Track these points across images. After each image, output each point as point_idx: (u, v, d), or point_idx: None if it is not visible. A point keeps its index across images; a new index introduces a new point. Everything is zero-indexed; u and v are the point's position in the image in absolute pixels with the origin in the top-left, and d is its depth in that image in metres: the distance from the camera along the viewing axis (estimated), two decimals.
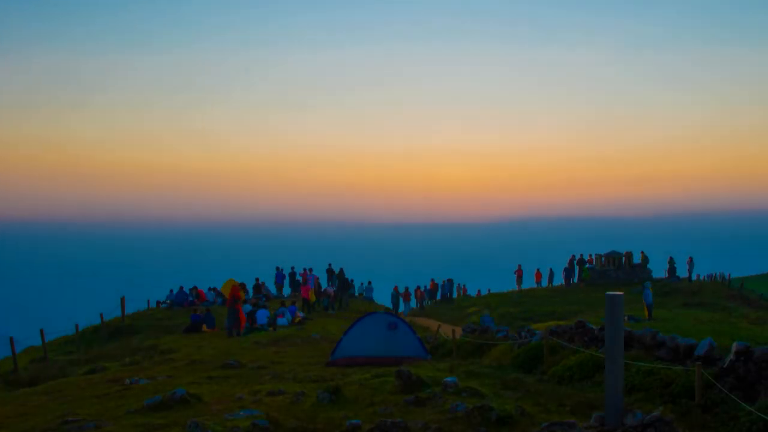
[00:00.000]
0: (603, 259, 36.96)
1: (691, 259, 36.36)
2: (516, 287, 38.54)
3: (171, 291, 29.07)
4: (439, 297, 40.44)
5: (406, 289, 36.82)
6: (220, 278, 32.12)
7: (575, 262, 37.82)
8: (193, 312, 22.89)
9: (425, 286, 41.40)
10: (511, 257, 42.83)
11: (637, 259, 37.01)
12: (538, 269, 39.05)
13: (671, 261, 36.46)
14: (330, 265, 33.49)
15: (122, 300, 24.54)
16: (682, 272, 36.54)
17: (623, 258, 36.48)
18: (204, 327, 21.62)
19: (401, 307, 35.40)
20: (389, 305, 35.70)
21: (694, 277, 35.85)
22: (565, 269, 37.51)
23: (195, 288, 29.62)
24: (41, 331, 19.44)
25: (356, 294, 35.37)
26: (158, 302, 28.88)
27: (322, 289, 29.67)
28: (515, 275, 38.28)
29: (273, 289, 32.54)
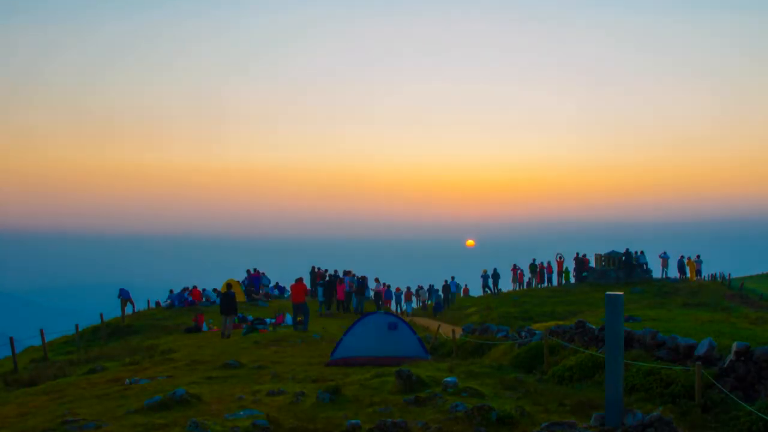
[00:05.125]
0: (603, 259, 36.90)
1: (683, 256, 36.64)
2: (512, 287, 38.65)
3: (171, 291, 29.10)
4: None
5: (408, 289, 36.76)
6: (219, 278, 32.12)
7: (573, 261, 37.88)
8: (194, 319, 22.85)
9: (430, 286, 41.29)
10: (512, 258, 42.67)
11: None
12: (541, 264, 39.03)
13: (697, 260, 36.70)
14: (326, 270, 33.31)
15: (122, 300, 24.55)
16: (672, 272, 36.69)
17: (623, 258, 36.40)
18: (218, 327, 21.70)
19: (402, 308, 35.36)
20: (393, 306, 35.64)
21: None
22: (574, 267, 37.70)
23: (195, 288, 29.65)
24: (41, 331, 19.43)
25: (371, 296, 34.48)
26: (158, 302, 28.92)
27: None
28: (512, 274, 38.45)
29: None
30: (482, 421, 7.34)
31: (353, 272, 31.32)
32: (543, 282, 38.44)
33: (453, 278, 38.27)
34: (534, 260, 39.09)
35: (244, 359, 13.74)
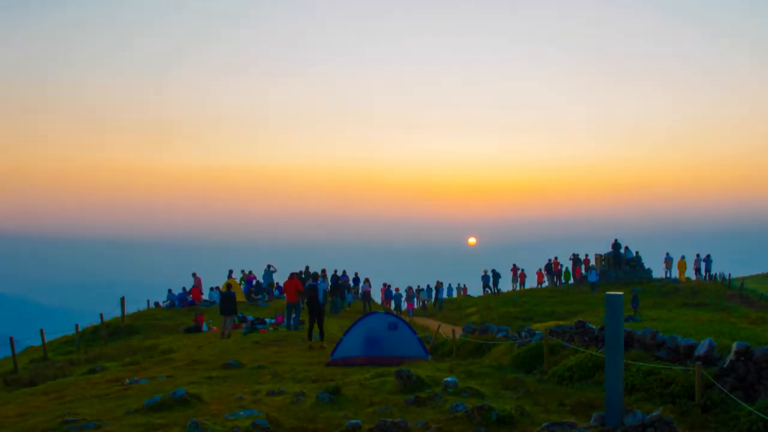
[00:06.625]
0: (603, 259, 36.91)
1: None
2: (511, 287, 38.68)
3: (170, 291, 29.08)
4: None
5: (409, 289, 36.74)
6: (219, 278, 32.07)
7: (573, 261, 37.89)
8: (194, 319, 22.80)
9: (428, 286, 41.33)
10: (510, 259, 42.69)
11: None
12: (540, 269, 39.06)
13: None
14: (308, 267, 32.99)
15: (122, 300, 24.54)
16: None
17: (611, 251, 36.42)
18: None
19: (403, 308, 35.32)
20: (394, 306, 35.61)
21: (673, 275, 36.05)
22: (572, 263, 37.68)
23: (195, 287, 29.63)
24: (41, 331, 19.44)
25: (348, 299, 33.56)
26: (157, 303, 28.89)
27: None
28: (511, 274, 38.49)
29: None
30: (482, 421, 7.34)
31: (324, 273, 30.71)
32: (543, 282, 38.49)
33: (440, 284, 38.47)
34: (551, 260, 38.71)
35: (244, 359, 13.74)
